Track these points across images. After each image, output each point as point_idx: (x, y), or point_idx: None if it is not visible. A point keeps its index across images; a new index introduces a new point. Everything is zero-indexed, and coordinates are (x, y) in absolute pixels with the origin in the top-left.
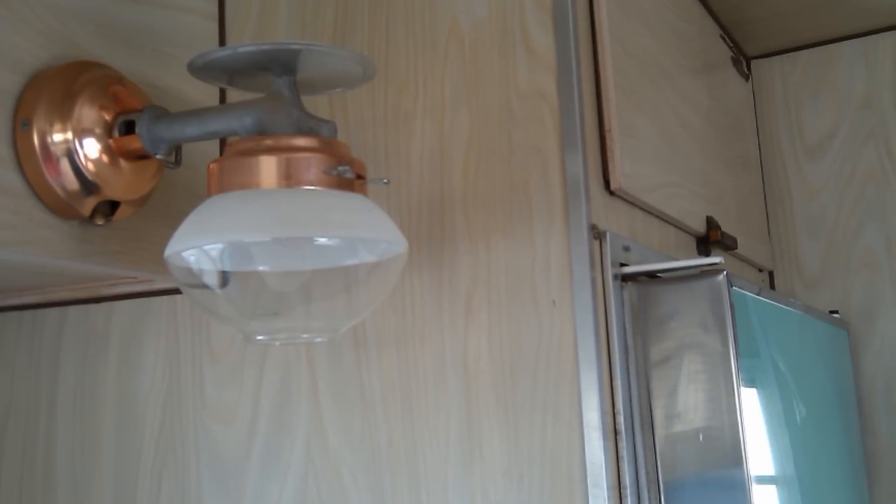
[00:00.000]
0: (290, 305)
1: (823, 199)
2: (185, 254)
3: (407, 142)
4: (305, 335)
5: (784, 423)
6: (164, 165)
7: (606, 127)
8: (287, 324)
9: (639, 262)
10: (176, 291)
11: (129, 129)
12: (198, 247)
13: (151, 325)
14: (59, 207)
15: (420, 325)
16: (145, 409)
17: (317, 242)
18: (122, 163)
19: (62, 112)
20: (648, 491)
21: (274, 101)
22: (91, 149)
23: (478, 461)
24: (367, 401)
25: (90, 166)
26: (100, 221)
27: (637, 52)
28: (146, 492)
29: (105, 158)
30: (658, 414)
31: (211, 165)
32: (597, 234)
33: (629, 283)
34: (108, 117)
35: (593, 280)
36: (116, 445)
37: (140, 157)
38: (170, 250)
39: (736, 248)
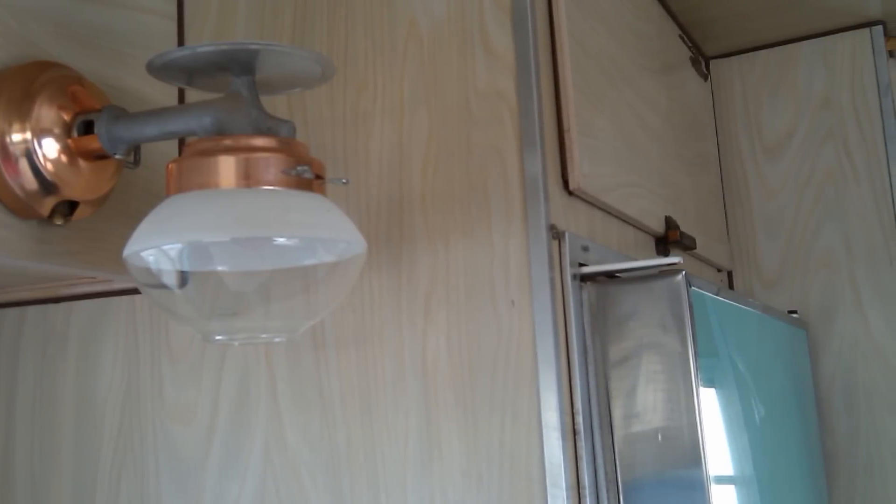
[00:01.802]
0: (249, 305)
1: (782, 198)
2: (143, 254)
3: (366, 142)
4: (264, 335)
5: (743, 423)
6: (123, 165)
7: (565, 127)
8: (246, 324)
9: (598, 262)
10: (135, 291)
11: (87, 129)
12: (157, 247)
13: (110, 325)
14: (18, 207)
15: (379, 326)
16: (104, 409)
17: (276, 242)
18: (81, 163)
19: (21, 112)
20: (607, 491)
21: (233, 101)
22: (50, 149)
23: (437, 461)
24: (325, 401)
25: (49, 166)
26: (59, 221)
27: (596, 52)
28: (105, 492)
29: (64, 158)
30: (617, 414)
31: (170, 165)
32: (556, 234)
33: (588, 283)
34: (66, 117)
35: (552, 280)
36: (75, 445)
37: (99, 157)
38: (129, 250)
39: (695, 248)
